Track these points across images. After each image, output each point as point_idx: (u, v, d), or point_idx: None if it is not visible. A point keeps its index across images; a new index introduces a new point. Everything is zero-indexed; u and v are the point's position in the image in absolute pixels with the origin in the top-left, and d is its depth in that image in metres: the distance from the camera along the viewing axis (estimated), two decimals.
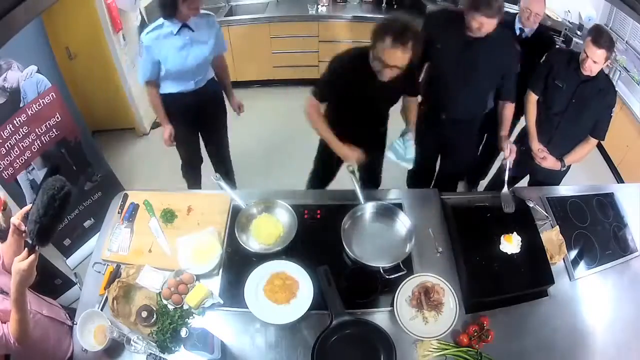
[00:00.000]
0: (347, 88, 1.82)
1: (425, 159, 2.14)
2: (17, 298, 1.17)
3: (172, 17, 1.93)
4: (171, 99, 2.16)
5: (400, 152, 1.93)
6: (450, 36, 1.98)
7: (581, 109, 2.03)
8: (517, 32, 2.42)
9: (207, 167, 2.61)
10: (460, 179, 2.69)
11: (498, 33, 1.90)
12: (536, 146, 2.20)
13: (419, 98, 2.10)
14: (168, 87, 2.14)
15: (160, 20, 1.96)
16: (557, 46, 2.45)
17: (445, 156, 2.55)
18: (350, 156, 1.87)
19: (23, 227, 1.22)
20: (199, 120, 2.33)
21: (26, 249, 1.14)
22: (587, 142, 2.14)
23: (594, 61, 1.86)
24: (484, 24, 1.82)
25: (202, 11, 2.01)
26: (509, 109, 2.16)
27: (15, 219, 1.23)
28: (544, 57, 2.25)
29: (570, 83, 2.03)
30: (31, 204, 1.19)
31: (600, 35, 1.82)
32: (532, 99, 2.21)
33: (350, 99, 1.88)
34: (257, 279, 1.61)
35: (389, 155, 1.97)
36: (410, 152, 1.92)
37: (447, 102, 2.16)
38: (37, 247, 1.15)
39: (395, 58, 1.63)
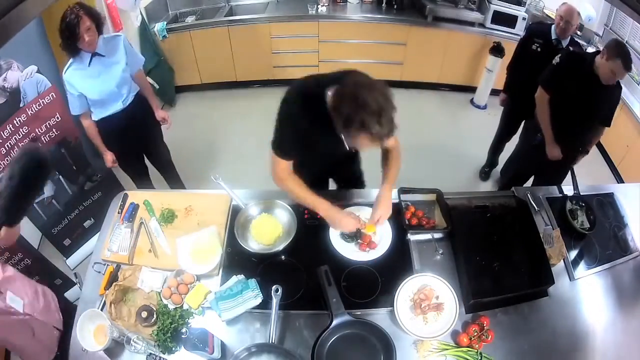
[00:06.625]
0: (310, 145, 1.56)
1: None
2: None
3: (78, 54, 2.01)
4: (105, 122, 2.26)
5: None
6: None
7: (590, 105, 2.17)
8: (554, 42, 2.55)
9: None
10: None
11: None
12: (553, 149, 2.34)
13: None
14: (100, 113, 2.23)
15: (71, 60, 2.04)
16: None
17: None
18: (345, 227, 1.64)
19: None
20: (136, 136, 2.43)
21: None
22: (597, 130, 2.37)
23: (619, 79, 2.12)
24: None
25: (107, 35, 2.14)
26: None
27: None
28: (556, 58, 2.31)
29: (582, 84, 2.15)
30: None
31: (630, 60, 2.03)
32: (545, 97, 2.28)
33: (317, 154, 1.67)
34: None
35: None
36: None
37: None
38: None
39: (371, 148, 1.40)
